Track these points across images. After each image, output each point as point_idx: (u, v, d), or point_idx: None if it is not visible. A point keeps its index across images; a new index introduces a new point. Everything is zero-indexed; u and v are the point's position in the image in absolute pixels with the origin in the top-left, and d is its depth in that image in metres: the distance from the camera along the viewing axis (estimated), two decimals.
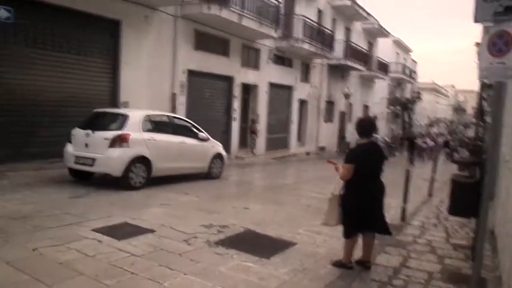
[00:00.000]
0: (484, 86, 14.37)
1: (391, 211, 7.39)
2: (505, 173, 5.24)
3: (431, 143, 28.16)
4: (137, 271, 4.00)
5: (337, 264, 4.44)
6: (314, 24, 19.26)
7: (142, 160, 8.24)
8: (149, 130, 8.58)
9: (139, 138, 8.21)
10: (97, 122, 8.47)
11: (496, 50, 3.33)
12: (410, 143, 20.06)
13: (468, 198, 4.85)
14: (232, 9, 13.27)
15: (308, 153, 21.73)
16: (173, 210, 6.77)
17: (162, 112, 10.02)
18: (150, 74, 12.01)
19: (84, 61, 10.45)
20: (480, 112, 15.74)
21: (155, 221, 5.85)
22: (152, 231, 5.39)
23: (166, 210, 6.70)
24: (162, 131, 8.94)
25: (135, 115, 8.50)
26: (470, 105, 67.49)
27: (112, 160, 7.87)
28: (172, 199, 7.59)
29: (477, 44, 17.77)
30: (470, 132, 46.17)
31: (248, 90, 17.09)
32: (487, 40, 3.36)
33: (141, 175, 8.25)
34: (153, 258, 4.41)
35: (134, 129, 8.18)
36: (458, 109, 72.29)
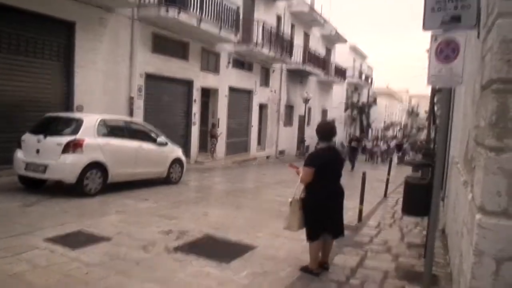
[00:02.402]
0: (435, 91, 15.03)
1: (348, 212, 7.55)
2: (455, 175, 5.50)
3: (383, 146, 29.08)
4: (92, 281, 3.87)
5: (304, 269, 4.45)
6: (273, 29, 19.47)
7: (97, 166, 7.98)
8: (104, 135, 8.32)
9: (94, 143, 7.95)
10: (50, 127, 8.11)
11: (444, 57, 3.49)
12: (351, 148, 20.73)
13: (421, 199, 5.06)
14: (190, 12, 13.16)
15: (268, 157, 21.87)
16: (131, 217, 6.60)
17: (118, 117, 9.76)
18: (106, 78, 11.68)
19: (35, 63, 9.99)
20: (431, 116, 16.44)
21: (111, 229, 5.68)
22: (108, 239, 5.23)
23: (123, 217, 6.52)
24: (119, 136, 8.70)
25: (90, 120, 8.23)
26: (423, 109, 70.51)
27: (66, 166, 7.57)
28: (130, 206, 7.40)
29: (428, 51, 18.60)
30: (423, 136, 48.20)
31: (208, 94, 16.99)
32: (435, 48, 3.52)
33: (96, 182, 7.99)
34: (109, 267, 4.28)
35: (88, 134, 7.92)
36: (412, 113, 75.29)
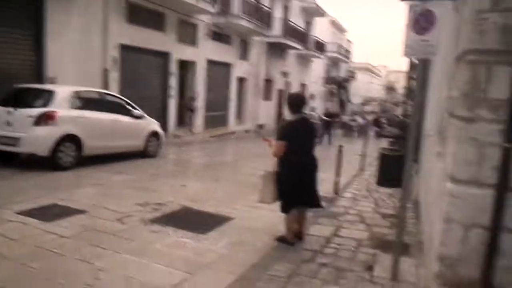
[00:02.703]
0: (412, 67, 15.16)
1: (325, 184, 7.68)
2: (429, 147, 5.61)
3: (362, 121, 29.33)
4: (66, 253, 3.84)
5: (280, 239, 4.51)
6: (252, 0, 19.10)
7: (71, 139, 7.82)
8: (78, 108, 8.12)
9: (68, 115, 7.76)
10: (20, 99, 7.86)
11: (420, 28, 3.49)
12: (325, 122, 20.53)
13: (394, 170, 5.17)
14: None
15: (247, 131, 21.85)
16: (107, 189, 6.54)
17: (93, 89, 9.50)
18: (80, 48, 11.28)
19: (2, 33, 9.55)
20: (408, 91, 16.67)
21: (86, 202, 5.62)
22: (83, 211, 5.18)
23: (99, 190, 6.45)
24: (93, 109, 8.49)
25: (63, 91, 8.00)
26: (401, 85, 71.32)
27: (38, 139, 7.38)
28: (106, 179, 7.31)
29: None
30: (400, 110, 48.93)
31: (186, 66, 16.68)
32: (412, 19, 3.51)
33: (71, 155, 7.84)
34: (84, 238, 4.25)
35: (62, 106, 7.71)
36: (390, 88, 76.12)
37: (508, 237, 2.76)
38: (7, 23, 9.64)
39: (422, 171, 6.85)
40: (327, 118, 20.83)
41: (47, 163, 7.57)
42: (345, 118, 29.81)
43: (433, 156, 4.67)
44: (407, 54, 3.56)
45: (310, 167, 4.47)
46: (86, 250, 3.94)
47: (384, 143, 14.57)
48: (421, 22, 3.49)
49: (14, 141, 7.40)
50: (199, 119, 17.38)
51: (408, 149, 3.61)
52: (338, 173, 7.42)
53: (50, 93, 7.81)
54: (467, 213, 2.84)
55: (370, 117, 32.52)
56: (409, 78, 16.11)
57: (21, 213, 4.92)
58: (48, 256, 3.75)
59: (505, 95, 2.67)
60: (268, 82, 24.44)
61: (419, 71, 3.81)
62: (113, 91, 11.55)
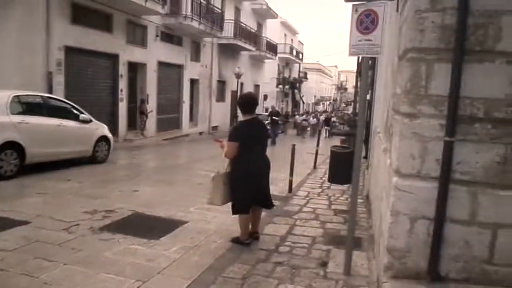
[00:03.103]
0: (361, 66, 15.67)
1: (279, 183, 7.77)
2: (377, 144, 5.79)
3: (313, 120, 29.84)
4: (7, 267, 3.58)
5: (235, 240, 4.47)
6: (203, 2, 18.95)
7: (12, 146, 7.36)
8: (19, 113, 7.67)
9: (7, 121, 7.30)
10: None
11: (364, 28, 3.58)
12: (272, 120, 19.80)
13: (345, 167, 5.28)
14: None
15: (201, 133, 21.65)
16: (52, 198, 6.21)
17: (35, 93, 8.99)
18: (20, 51, 10.71)
19: None
20: (358, 90, 17.19)
21: (30, 212, 5.30)
22: (26, 222, 4.87)
23: (44, 199, 6.12)
24: (36, 113, 8.05)
25: (2, 96, 7.52)
26: (351, 84, 73.53)
27: None
28: (51, 187, 6.95)
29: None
30: (351, 109, 50.42)
31: (136, 69, 16.26)
32: (356, 19, 3.60)
33: (12, 163, 7.38)
34: (28, 251, 3.99)
35: (1, 112, 7.25)
36: (341, 88, 78.27)
37: (451, 227, 2.89)
38: None
39: (371, 167, 7.08)
40: (271, 117, 20.25)
41: None
42: (298, 117, 30.24)
43: (380, 152, 4.82)
44: (352, 53, 3.64)
45: (262, 168, 4.47)
46: (30, 263, 3.70)
47: (336, 141, 14.93)
48: (365, 22, 3.57)
49: None
50: (151, 122, 17.00)
51: (357, 145, 3.69)
52: (291, 172, 7.49)
53: None
54: (412, 205, 2.95)
55: (322, 117, 33.25)
56: (358, 77, 16.58)
57: None
58: None
59: (446, 91, 2.80)
60: (221, 83, 24.36)
61: (364, 70, 3.91)
62: (59, 95, 11.03)
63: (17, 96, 7.82)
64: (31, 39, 11.02)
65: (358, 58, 12.53)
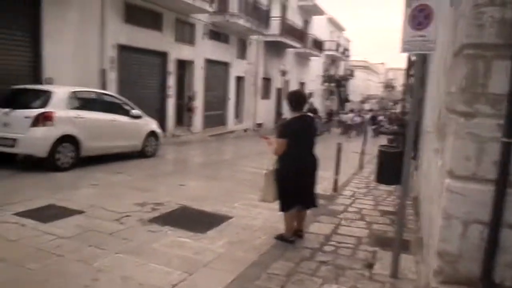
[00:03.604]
0: (411, 64, 15.14)
1: (324, 182, 7.68)
2: (427, 144, 5.60)
3: (357, 119, 28.61)
4: (64, 254, 3.81)
5: (279, 238, 4.48)
6: None
7: (69, 140, 7.78)
8: (76, 108, 8.09)
9: (65, 116, 7.72)
10: (17, 100, 7.83)
11: (417, 24, 3.47)
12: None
13: (393, 167, 5.15)
14: None
15: (245, 130, 21.82)
16: (105, 190, 6.50)
17: (90, 89, 9.46)
18: (77, 49, 11.23)
19: (0, 34, 9.51)
20: (407, 88, 16.64)
21: (84, 202, 5.59)
22: (81, 212, 5.15)
23: (96, 190, 6.42)
24: (91, 109, 8.46)
25: (60, 92, 7.96)
26: (400, 83, 71.33)
27: (35, 140, 7.34)
28: (104, 179, 7.28)
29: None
30: (399, 108, 48.96)
31: (184, 66, 16.64)
32: (408, 14, 3.49)
33: (69, 155, 7.80)
34: (82, 239, 4.22)
35: (59, 107, 7.68)
36: (388, 86, 76.14)
37: (508, 232, 2.74)
38: (4, 24, 9.60)
39: (421, 168, 6.84)
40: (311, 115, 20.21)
41: (45, 164, 7.53)
42: (344, 116, 29.49)
43: (431, 153, 4.65)
44: (404, 50, 3.54)
45: (310, 165, 4.44)
46: (84, 251, 3.91)
47: (383, 140, 14.56)
48: (418, 17, 3.46)
49: (12, 142, 7.36)
50: (197, 119, 17.35)
51: (407, 146, 3.58)
52: (337, 171, 7.40)
53: (47, 94, 7.77)
54: (466, 209, 2.82)
55: (368, 115, 32.37)
56: (408, 75, 16.05)
57: (18, 214, 4.88)
58: (46, 257, 3.72)
59: (504, 89, 2.65)
60: (267, 80, 24.41)
61: (417, 67, 3.78)
62: (111, 91, 11.51)
63: (74, 92, 8.25)
64: (86, 38, 11.56)
65: (409, 55, 12.14)
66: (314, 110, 21.21)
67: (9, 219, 4.71)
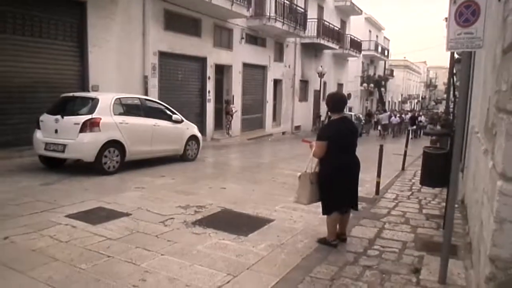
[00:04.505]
0: (454, 62, 14.61)
1: (366, 185, 7.58)
2: (475, 144, 5.39)
3: (395, 120, 27.45)
4: (113, 254, 3.96)
5: (322, 241, 4.45)
6: (286, 2, 19.07)
7: (115, 144, 8.07)
8: (120, 114, 8.39)
9: (111, 121, 8.03)
10: (66, 107, 8.22)
11: (463, 21, 3.36)
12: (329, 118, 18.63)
13: (439, 169, 5.00)
14: None
15: (283, 133, 21.81)
16: (149, 193, 6.70)
17: (133, 95, 9.80)
18: (120, 57, 11.69)
19: (49, 44, 10.06)
20: (450, 87, 16.04)
21: (130, 205, 5.78)
22: (127, 214, 5.33)
23: (141, 193, 6.62)
24: (135, 114, 8.76)
25: (105, 99, 8.28)
26: (442, 81, 68.97)
27: (84, 145, 7.68)
28: (148, 182, 7.50)
29: (446, 20, 17.98)
30: (441, 108, 47.34)
31: (222, 70, 16.90)
32: (454, 11, 3.39)
33: (114, 160, 8.10)
34: (130, 240, 4.37)
35: (105, 113, 7.99)
36: (430, 85, 73.78)
37: None
38: (54, 36, 10.17)
39: (468, 169, 6.59)
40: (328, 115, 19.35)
41: (93, 167, 7.86)
42: (379, 116, 28.26)
43: (479, 154, 4.47)
44: (450, 48, 3.43)
45: (352, 167, 4.38)
46: (132, 252, 4.05)
47: (423, 142, 14.11)
48: (465, 14, 3.35)
49: (62, 147, 7.73)
50: (236, 122, 17.52)
51: (456, 147, 3.47)
52: (379, 173, 7.25)
53: (93, 101, 8.11)
54: None
55: (408, 115, 31.36)
56: (451, 73, 15.47)
57: (70, 216, 5.13)
58: (96, 257, 3.88)
59: None
60: (304, 83, 24.31)
61: (464, 65, 3.66)
62: (153, 96, 11.89)
63: (119, 98, 8.56)
64: (129, 46, 11.99)
65: (453, 53, 11.72)
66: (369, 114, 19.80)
67: (61, 220, 4.95)
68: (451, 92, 16.32)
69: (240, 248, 4.27)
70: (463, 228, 5.14)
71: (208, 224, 5.02)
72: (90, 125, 7.72)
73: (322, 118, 24.62)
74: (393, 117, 27.41)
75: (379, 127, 26.84)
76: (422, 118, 30.69)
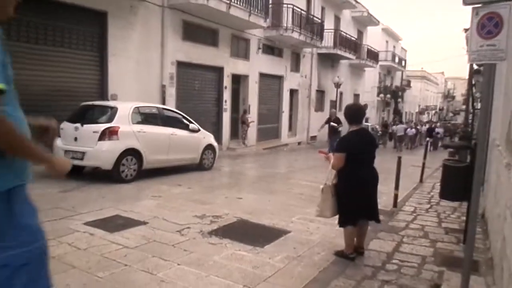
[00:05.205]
0: (473, 72, 14.42)
1: (383, 197, 7.46)
2: (496, 158, 5.28)
3: (411, 131, 26.14)
4: (130, 263, 3.98)
5: (339, 254, 4.40)
6: (303, 12, 19.14)
7: (132, 153, 8.18)
8: (138, 122, 8.50)
9: (129, 130, 8.13)
10: (86, 115, 8.37)
11: (486, 32, 3.31)
12: (330, 127, 15.88)
13: (459, 182, 4.89)
14: None
15: (299, 143, 21.74)
16: (166, 201, 6.73)
17: (151, 104, 9.92)
18: (139, 66, 11.86)
19: (70, 53, 10.27)
20: (469, 98, 15.79)
21: (147, 213, 5.82)
22: (144, 223, 5.36)
23: (158, 202, 6.66)
24: (152, 123, 8.87)
25: (124, 107, 8.40)
26: (460, 92, 68.03)
27: (102, 153, 7.80)
28: (164, 191, 7.54)
29: (465, 30, 17.76)
30: (460, 119, 46.60)
31: (238, 80, 16.99)
32: (476, 23, 3.35)
33: (132, 168, 8.19)
34: (146, 249, 4.38)
35: (123, 122, 8.10)
36: (448, 96, 72.83)
37: None
38: (75, 45, 10.39)
39: (488, 183, 6.45)
40: (329, 124, 16.43)
41: (110, 175, 7.96)
42: (395, 127, 27.22)
43: (501, 167, 4.38)
44: (472, 60, 3.39)
45: (370, 179, 4.33)
46: (149, 261, 4.06)
47: (442, 154, 13.89)
48: (487, 26, 3.31)
49: (81, 155, 7.86)
50: (252, 132, 17.55)
51: (478, 160, 3.40)
52: (397, 186, 7.16)
53: (112, 109, 8.24)
54: None
55: (424, 127, 30.79)
56: (470, 84, 15.25)
57: (88, 224, 5.18)
58: (113, 265, 3.90)
59: None
60: (320, 93, 24.26)
61: (485, 77, 3.60)
62: (170, 105, 12.00)
63: (137, 107, 8.68)
64: (148, 56, 12.16)
65: (472, 64, 11.57)
66: (337, 120, 15.95)
67: (79, 228, 5.01)
68: (470, 104, 16.09)
69: (256, 260, 4.24)
70: (484, 243, 5.02)
71: (224, 234, 5.01)
72: (109, 134, 7.84)
73: (339, 129, 24.22)
74: (408, 129, 26.60)
75: (394, 139, 26.02)
76: (440, 130, 29.99)
